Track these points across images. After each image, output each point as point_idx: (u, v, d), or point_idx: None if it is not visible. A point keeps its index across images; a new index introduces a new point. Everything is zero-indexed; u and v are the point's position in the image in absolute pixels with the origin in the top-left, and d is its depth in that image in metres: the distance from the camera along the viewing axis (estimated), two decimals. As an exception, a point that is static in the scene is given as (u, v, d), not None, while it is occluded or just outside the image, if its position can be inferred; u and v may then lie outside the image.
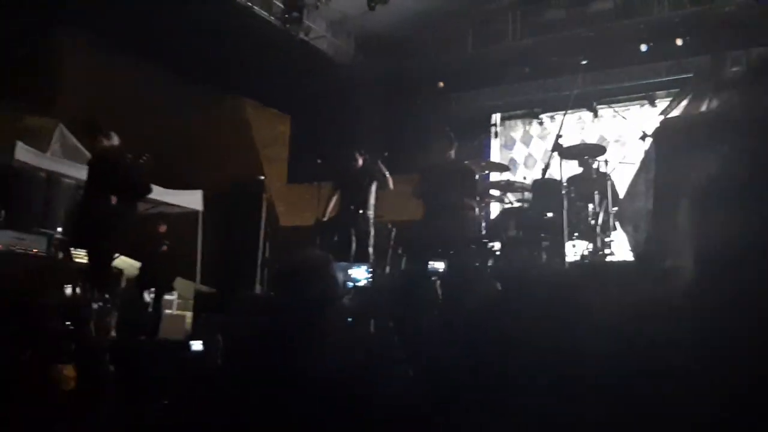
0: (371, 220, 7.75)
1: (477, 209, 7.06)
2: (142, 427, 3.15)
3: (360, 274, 7.54)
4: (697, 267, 3.81)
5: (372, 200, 7.81)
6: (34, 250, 7.08)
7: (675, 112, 7.00)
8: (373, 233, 7.81)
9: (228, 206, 9.27)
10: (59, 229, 7.63)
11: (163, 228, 8.57)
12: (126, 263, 7.94)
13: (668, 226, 4.28)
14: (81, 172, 8.37)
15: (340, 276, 5.54)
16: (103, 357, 2.82)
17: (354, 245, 7.70)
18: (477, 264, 5.68)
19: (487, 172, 8.42)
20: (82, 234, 6.17)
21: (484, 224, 7.46)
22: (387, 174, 7.61)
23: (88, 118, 6.42)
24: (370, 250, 7.84)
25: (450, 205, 6.71)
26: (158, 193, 9.03)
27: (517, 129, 10.89)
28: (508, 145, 10.91)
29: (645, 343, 2.78)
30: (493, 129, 10.97)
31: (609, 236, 7.13)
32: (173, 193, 10.00)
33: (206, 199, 10.28)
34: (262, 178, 9.08)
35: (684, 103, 6.89)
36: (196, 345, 3.54)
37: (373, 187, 7.79)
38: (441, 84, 9.97)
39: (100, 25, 8.50)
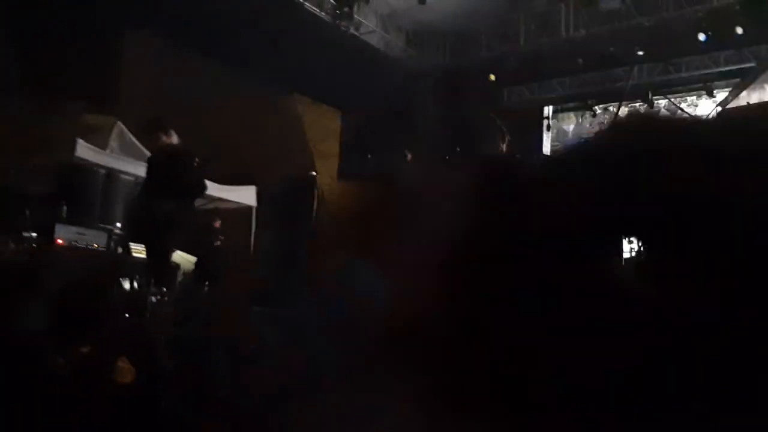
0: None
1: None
2: (201, 417, 3.22)
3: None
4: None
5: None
6: (95, 245, 7.27)
7: (734, 103, 6.82)
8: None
9: (281, 201, 9.37)
10: (118, 225, 7.82)
11: (217, 223, 8.72)
12: (182, 258, 8.10)
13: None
14: (139, 169, 8.59)
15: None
16: (161, 350, 2.88)
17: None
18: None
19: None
20: (141, 229, 6.31)
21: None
22: None
23: (152, 116, 6.57)
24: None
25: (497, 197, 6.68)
26: (213, 189, 9.20)
27: (570, 121, 10.74)
28: (560, 138, 10.77)
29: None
30: (545, 122, 10.85)
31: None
32: (228, 189, 10.15)
33: (260, 195, 10.41)
34: (315, 174, 9.15)
35: (743, 94, 6.70)
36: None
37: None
38: (492, 77, 9.87)
39: (159, 23, 8.69)
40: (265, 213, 10.10)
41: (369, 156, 8.34)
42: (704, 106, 8.92)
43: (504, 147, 6.89)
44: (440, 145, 8.06)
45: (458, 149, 7.75)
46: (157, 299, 5.98)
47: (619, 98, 7.51)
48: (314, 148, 10.73)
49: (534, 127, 10.67)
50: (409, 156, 7.95)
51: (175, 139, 6.41)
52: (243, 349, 3.73)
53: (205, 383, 3.28)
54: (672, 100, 9.15)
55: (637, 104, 9.40)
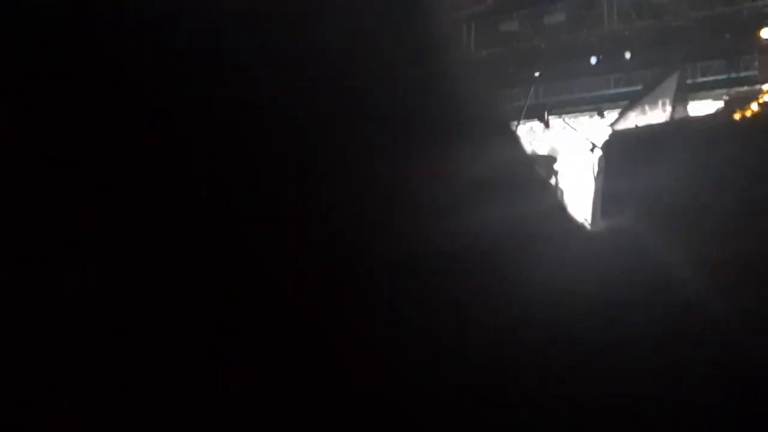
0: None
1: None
2: None
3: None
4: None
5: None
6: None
7: (623, 124, 7.19)
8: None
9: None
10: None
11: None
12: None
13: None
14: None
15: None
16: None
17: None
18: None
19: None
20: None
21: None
22: None
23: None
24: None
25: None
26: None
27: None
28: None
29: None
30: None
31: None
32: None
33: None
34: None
35: (632, 115, 7.09)
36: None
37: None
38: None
39: None
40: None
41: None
42: (596, 126, 9.31)
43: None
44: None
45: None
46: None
47: (518, 117, 7.77)
48: None
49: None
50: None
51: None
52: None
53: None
54: (565, 119, 9.51)
55: (534, 122, 9.76)
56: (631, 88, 9.19)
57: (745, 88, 7.80)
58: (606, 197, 5.31)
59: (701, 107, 7.90)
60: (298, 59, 0.50)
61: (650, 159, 4.18)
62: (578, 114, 9.79)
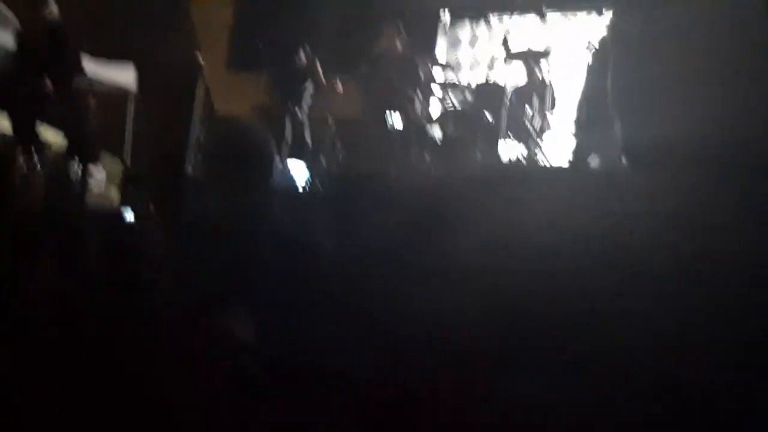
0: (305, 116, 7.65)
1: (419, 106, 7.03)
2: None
3: (298, 171, 7.47)
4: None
5: (308, 98, 7.67)
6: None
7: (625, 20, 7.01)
8: (309, 130, 7.71)
9: (161, 86, 8.88)
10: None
11: (92, 101, 8.21)
12: (53, 136, 7.62)
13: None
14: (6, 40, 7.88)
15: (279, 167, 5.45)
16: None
17: (289, 139, 7.59)
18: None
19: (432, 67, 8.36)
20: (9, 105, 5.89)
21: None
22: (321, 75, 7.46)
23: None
24: (308, 142, 7.76)
25: (394, 99, 6.66)
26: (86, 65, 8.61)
27: (465, 29, 10.71)
28: (455, 45, 10.74)
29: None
30: (441, 26, 10.76)
31: (542, 140, 7.29)
32: (102, 65, 9.54)
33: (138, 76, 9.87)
34: (201, 60, 8.69)
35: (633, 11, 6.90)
36: (129, 214, 3.44)
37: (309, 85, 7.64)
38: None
39: None
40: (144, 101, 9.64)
41: (260, 46, 8.01)
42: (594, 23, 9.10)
43: (398, 45, 6.78)
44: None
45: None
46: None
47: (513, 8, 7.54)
48: (201, 32, 10.16)
49: (431, 32, 10.57)
50: (303, 56, 7.70)
51: (55, 9, 5.92)
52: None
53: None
54: (564, 14, 9.27)
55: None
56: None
57: None
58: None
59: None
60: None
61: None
62: (577, 11, 9.52)
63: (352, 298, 2.45)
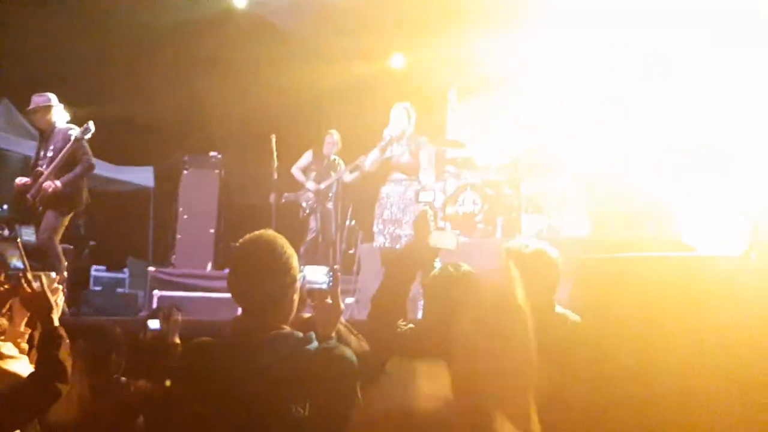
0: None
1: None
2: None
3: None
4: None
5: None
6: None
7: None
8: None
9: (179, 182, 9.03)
10: (4, 206, 7.39)
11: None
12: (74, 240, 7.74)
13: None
14: (27, 148, 8.12)
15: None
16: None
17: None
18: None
19: (444, 147, 8.44)
20: (29, 210, 6.00)
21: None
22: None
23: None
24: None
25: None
26: (108, 169, 8.83)
27: (474, 104, 10.86)
28: (465, 120, 10.88)
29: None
30: (450, 105, 10.94)
31: (566, 209, 7.23)
32: (124, 170, 9.78)
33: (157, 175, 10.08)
34: (218, 154, 8.86)
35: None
36: (154, 324, 3.45)
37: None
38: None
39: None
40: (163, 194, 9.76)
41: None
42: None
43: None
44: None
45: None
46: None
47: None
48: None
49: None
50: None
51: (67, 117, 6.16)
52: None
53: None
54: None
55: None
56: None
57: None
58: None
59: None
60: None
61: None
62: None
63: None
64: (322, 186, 7.57)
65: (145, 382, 3.17)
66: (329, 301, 2.41)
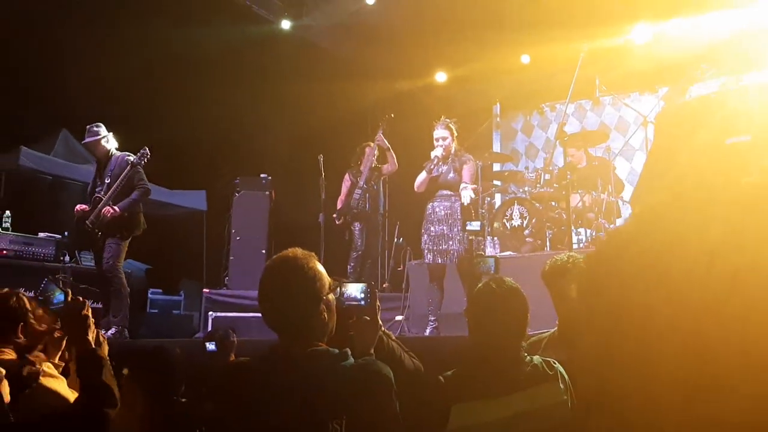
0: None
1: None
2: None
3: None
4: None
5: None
6: (43, 254, 7.10)
7: (678, 97, 7.01)
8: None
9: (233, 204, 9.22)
10: (66, 233, 7.64)
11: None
12: (132, 266, 7.97)
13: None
14: (84, 175, 8.39)
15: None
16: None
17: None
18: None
19: (490, 162, 8.44)
20: (89, 236, 6.19)
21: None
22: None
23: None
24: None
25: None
26: (161, 194, 9.05)
27: (518, 119, 10.88)
28: (510, 135, 10.90)
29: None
30: (495, 119, 10.96)
31: (614, 224, 7.14)
32: (176, 194, 10.01)
33: (210, 198, 10.28)
34: (268, 176, 9.02)
35: (687, 87, 6.90)
36: (211, 346, 3.55)
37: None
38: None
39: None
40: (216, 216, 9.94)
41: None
42: (648, 101, 9.08)
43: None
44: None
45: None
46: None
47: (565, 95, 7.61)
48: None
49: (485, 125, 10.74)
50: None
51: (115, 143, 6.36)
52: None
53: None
54: (616, 95, 9.32)
55: (583, 100, 9.53)
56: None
57: None
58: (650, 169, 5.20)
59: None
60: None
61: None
62: (630, 91, 9.54)
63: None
64: (361, 182, 7.50)
65: (206, 404, 3.24)
66: (367, 318, 2.44)
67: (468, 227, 4.70)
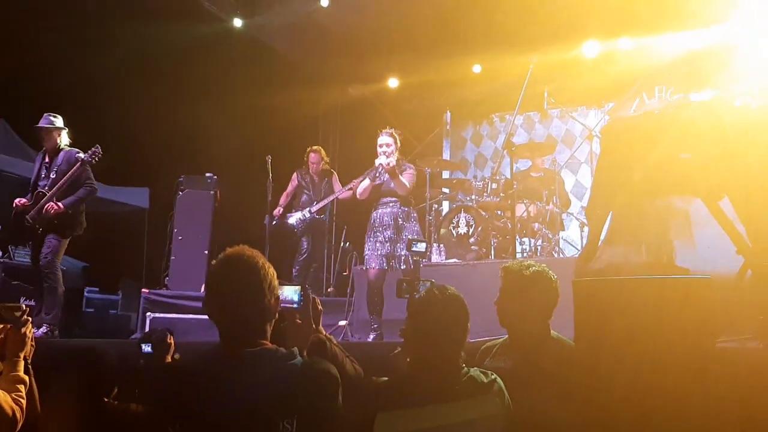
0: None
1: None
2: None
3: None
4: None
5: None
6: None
7: (623, 112, 7.17)
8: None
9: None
10: (-1, 227, 7.36)
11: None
12: (68, 263, 7.73)
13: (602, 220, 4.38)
14: (23, 169, 8.12)
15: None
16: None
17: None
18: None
19: (440, 169, 8.48)
20: (27, 231, 5.97)
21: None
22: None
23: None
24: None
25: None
26: (103, 190, 8.80)
27: (468, 128, 10.97)
28: (459, 143, 10.98)
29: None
30: (445, 128, 11.03)
31: (557, 234, 7.25)
32: (118, 190, 9.77)
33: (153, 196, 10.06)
34: (214, 175, 8.85)
35: (632, 102, 7.06)
36: (146, 347, 3.45)
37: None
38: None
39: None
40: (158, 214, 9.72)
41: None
42: (594, 115, 9.26)
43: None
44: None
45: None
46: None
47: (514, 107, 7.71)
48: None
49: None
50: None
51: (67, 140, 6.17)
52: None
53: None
54: (563, 108, 9.49)
55: (532, 112, 9.66)
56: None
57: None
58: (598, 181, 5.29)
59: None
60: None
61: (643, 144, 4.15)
62: (577, 104, 9.73)
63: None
64: (314, 209, 7.54)
65: (136, 406, 3.14)
66: (299, 320, 2.42)
67: (413, 248, 4.66)
